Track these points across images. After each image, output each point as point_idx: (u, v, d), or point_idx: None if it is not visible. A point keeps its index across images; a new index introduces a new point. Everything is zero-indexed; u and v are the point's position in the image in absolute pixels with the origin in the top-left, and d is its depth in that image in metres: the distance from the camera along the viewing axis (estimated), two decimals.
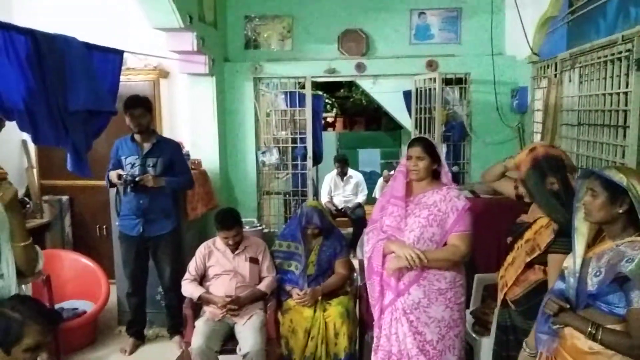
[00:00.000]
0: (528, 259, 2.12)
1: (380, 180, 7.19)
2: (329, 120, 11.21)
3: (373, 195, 7.18)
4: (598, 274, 1.67)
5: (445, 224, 2.43)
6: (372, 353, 2.61)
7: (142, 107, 3.46)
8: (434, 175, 2.56)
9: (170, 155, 3.55)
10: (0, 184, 1.84)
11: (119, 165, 3.53)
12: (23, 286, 2.11)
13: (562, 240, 2.01)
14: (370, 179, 7.68)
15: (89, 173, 2.96)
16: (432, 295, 2.43)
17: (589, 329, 1.65)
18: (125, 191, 3.48)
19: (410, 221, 2.46)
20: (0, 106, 2.43)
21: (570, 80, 3.32)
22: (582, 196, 1.78)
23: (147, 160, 3.50)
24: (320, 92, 8.12)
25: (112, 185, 3.55)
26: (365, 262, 2.65)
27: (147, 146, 3.53)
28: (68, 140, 2.76)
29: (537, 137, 4.02)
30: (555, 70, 3.58)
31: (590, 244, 1.80)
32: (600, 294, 1.65)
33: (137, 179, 3.38)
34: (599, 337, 1.63)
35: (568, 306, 1.76)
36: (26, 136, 4.80)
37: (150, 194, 3.48)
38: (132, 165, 3.49)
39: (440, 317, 2.43)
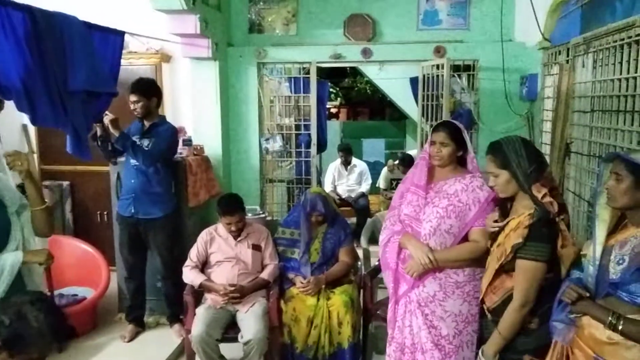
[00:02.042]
0: (497, 265, 1.95)
1: (385, 170, 7.13)
2: (333, 110, 11.10)
3: (377, 185, 7.12)
4: (621, 261, 1.60)
5: (465, 216, 2.28)
6: (387, 345, 2.52)
7: (140, 93, 3.42)
8: (460, 162, 2.42)
9: (158, 135, 3.48)
10: (15, 156, 2.00)
11: None
12: (36, 278, 2.15)
13: (532, 245, 1.86)
14: (374, 169, 7.61)
15: (89, 156, 2.89)
16: (448, 288, 2.32)
17: (610, 318, 1.59)
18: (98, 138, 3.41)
19: (429, 211, 2.33)
20: None
21: (583, 66, 3.23)
22: (605, 180, 1.70)
23: (142, 140, 3.47)
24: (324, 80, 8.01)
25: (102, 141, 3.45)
26: (380, 249, 2.55)
27: (147, 126, 3.52)
28: (67, 121, 2.69)
29: (547, 125, 3.94)
30: (568, 55, 3.49)
31: (611, 231, 1.73)
32: (623, 283, 1.58)
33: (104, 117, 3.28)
34: (620, 327, 1.57)
35: (588, 294, 1.69)
36: (27, 121, 4.74)
37: (140, 175, 3.45)
38: None
39: (458, 311, 2.31)
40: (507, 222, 1.98)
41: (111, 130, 3.30)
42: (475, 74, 4.50)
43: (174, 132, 3.62)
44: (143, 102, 3.42)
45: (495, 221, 2.07)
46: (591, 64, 3.12)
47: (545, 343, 1.89)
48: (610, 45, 2.85)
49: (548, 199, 1.90)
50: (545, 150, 3.92)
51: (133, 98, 3.42)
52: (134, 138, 3.45)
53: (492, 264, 2.00)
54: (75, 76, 2.68)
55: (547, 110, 3.94)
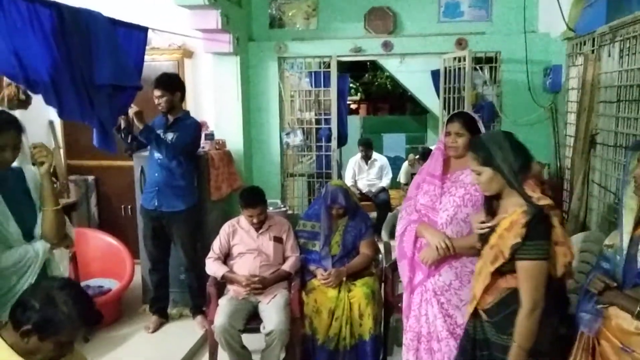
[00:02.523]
0: (492, 269, 1.83)
1: (405, 165, 7.10)
2: (353, 107, 11.07)
3: (398, 180, 7.09)
4: None
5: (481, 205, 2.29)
6: (403, 334, 2.53)
7: (163, 87, 3.46)
8: None
9: (182, 129, 3.52)
10: (41, 150, 1.96)
11: None
12: (61, 266, 2.16)
13: (531, 244, 1.73)
14: (395, 164, 7.57)
15: (115, 149, 2.95)
16: (464, 277, 2.31)
17: (638, 308, 1.57)
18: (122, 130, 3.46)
19: (445, 200, 2.35)
20: (25, 78, 2.41)
21: (609, 55, 3.17)
22: (632, 169, 1.68)
23: (167, 133, 3.51)
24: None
25: (127, 135, 3.51)
26: (397, 239, 2.56)
27: (170, 121, 3.55)
28: (94, 115, 2.74)
29: (571, 117, 3.87)
30: (593, 45, 3.42)
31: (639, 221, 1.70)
32: None
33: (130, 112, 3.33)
34: None
35: (615, 284, 1.67)
36: (53, 116, 4.85)
37: (164, 168, 3.49)
38: None
39: None
40: (498, 222, 1.86)
41: (136, 122, 3.35)
42: (497, 66, 4.45)
43: (197, 126, 3.66)
44: (167, 97, 3.46)
45: (483, 222, 1.96)
46: (617, 53, 3.06)
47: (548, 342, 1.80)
48: (637, 33, 2.80)
49: (543, 199, 1.80)
50: (569, 142, 3.86)
51: (157, 93, 3.46)
52: (158, 132, 3.50)
53: (486, 267, 1.86)
54: (100, 70, 2.72)
55: (571, 101, 3.88)
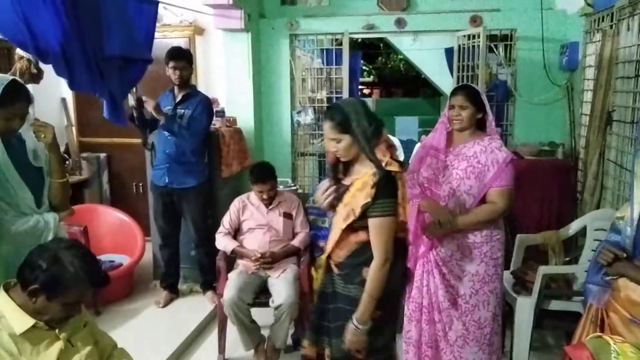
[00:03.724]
0: (344, 225, 1.91)
1: (418, 146, 7.02)
2: (365, 92, 10.97)
3: (410, 162, 7.03)
4: None
5: (484, 177, 2.32)
6: (405, 306, 2.55)
7: (185, 59, 3.48)
8: (478, 125, 2.44)
9: (195, 106, 3.52)
10: (39, 125, 1.98)
11: None
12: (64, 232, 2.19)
13: (379, 203, 1.83)
14: (407, 148, 7.45)
15: (125, 122, 2.95)
16: (466, 248, 2.36)
17: None
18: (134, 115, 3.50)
19: (448, 173, 2.37)
20: (36, 48, 2.41)
21: (628, 29, 3.09)
22: None
23: (177, 110, 3.50)
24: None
25: (138, 122, 3.55)
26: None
27: (179, 96, 3.54)
28: (104, 86, 2.74)
29: (588, 95, 3.80)
30: (612, 21, 3.34)
31: None
32: None
33: (142, 97, 3.38)
34: None
35: (625, 255, 1.64)
36: (66, 94, 4.88)
37: (175, 145, 3.48)
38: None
39: (475, 271, 2.36)
40: (352, 182, 1.95)
41: (155, 116, 3.38)
42: (512, 44, 4.36)
43: (209, 102, 3.68)
44: (189, 70, 3.50)
45: (327, 189, 2.01)
46: (637, 26, 2.99)
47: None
48: None
49: (392, 164, 1.90)
50: (585, 121, 3.79)
51: (176, 64, 3.43)
52: (167, 109, 3.49)
53: (339, 223, 1.95)
54: (110, 42, 2.71)
55: (588, 79, 3.81)
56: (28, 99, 1.95)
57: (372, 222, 1.86)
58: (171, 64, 3.44)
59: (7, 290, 1.57)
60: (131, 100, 3.43)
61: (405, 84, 10.95)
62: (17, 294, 1.55)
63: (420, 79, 8.80)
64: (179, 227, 3.77)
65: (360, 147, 1.88)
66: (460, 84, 4.46)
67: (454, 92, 2.42)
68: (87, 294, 1.57)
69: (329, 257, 2.05)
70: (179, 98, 3.54)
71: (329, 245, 2.03)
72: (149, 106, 3.35)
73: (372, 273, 1.86)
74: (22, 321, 1.52)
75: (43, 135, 1.97)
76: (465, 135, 2.41)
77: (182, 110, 3.51)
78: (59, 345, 1.59)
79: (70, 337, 1.64)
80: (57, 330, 1.60)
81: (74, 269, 1.50)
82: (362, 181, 1.89)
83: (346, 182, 2.00)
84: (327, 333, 2.02)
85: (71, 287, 1.50)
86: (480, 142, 2.37)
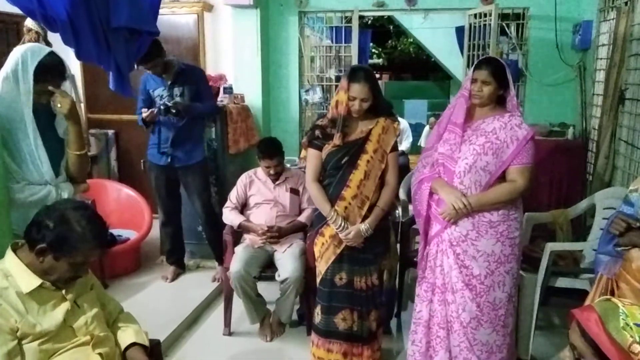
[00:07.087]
0: (383, 166, 2.40)
1: (427, 128, 7.00)
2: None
3: (419, 144, 7.00)
4: None
5: (502, 153, 2.22)
6: (417, 285, 2.52)
7: (149, 61, 3.27)
8: (499, 101, 2.33)
9: (196, 82, 3.49)
10: (57, 96, 1.99)
11: (149, 98, 3.51)
12: None
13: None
14: (416, 131, 7.45)
15: (131, 93, 2.93)
16: (481, 227, 2.26)
17: None
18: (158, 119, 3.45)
19: (465, 148, 2.26)
20: (43, 16, 2.39)
21: None
22: None
23: (173, 89, 3.45)
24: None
25: (147, 124, 3.50)
26: (413, 188, 2.52)
27: (170, 76, 3.45)
28: (110, 57, 2.71)
29: (600, 75, 3.74)
30: None
31: None
32: None
33: (169, 104, 3.33)
34: None
35: (638, 224, 1.61)
36: (75, 70, 4.85)
37: (172, 126, 3.45)
38: (161, 97, 3.44)
39: (490, 251, 2.26)
40: (369, 131, 2.40)
41: (187, 111, 3.38)
42: (524, 23, 4.30)
43: (204, 73, 3.69)
44: (158, 61, 3.33)
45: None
46: None
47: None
48: None
49: None
50: (597, 101, 3.74)
51: (148, 66, 3.32)
52: (160, 90, 3.44)
53: (375, 169, 2.41)
54: (116, 13, 2.69)
55: (601, 59, 3.75)
56: (62, 76, 2.03)
57: (392, 155, 2.42)
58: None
59: (14, 250, 1.58)
60: (139, 121, 3.45)
61: (415, 69, 10.86)
62: (24, 254, 1.55)
63: (430, 63, 8.72)
64: (180, 203, 3.77)
65: (379, 103, 2.38)
66: (470, 64, 4.44)
67: (478, 66, 2.29)
68: (94, 254, 1.57)
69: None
70: (171, 78, 3.44)
71: (368, 191, 2.41)
72: (152, 115, 3.36)
73: (387, 194, 2.45)
74: (29, 280, 1.53)
75: (60, 106, 1.98)
76: (485, 110, 2.31)
77: (180, 88, 3.44)
78: (65, 305, 1.60)
79: (77, 298, 1.65)
80: (64, 291, 1.61)
81: (81, 228, 1.50)
82: (380, 126, 2.40)
83: (354, 136, 2.40)
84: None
85: (78, 246, 1.50)
86: (500, 119, 2.26)
